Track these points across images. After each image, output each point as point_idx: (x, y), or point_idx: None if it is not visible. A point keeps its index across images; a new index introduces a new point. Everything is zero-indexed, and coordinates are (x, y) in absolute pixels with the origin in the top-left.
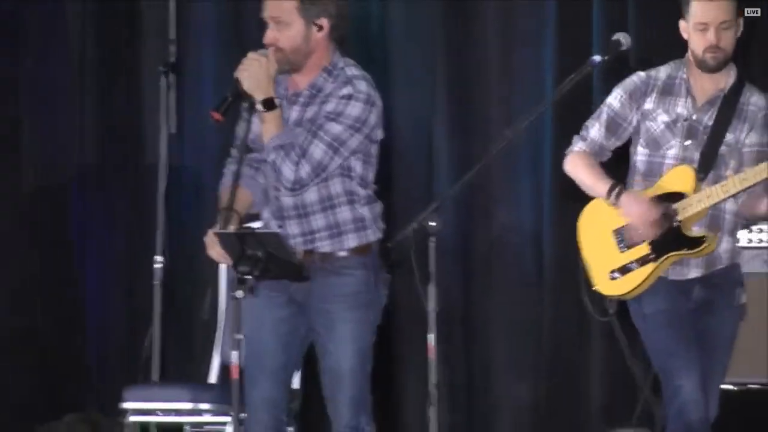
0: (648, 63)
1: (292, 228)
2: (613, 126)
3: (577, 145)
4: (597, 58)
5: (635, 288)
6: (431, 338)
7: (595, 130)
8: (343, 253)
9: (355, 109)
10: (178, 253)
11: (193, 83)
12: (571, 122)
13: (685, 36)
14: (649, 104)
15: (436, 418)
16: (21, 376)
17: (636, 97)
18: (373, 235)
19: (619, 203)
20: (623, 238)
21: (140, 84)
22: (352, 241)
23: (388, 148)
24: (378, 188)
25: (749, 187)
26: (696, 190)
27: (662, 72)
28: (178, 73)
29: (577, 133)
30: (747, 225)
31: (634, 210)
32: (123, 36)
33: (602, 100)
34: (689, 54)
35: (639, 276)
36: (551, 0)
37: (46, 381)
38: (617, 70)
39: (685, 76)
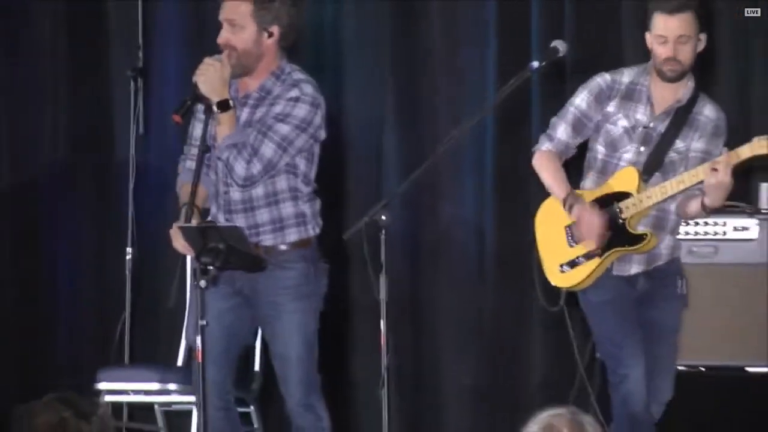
0: (583, 67)
1: (239, 221)
2: (578, 126)
3: (544, 145)
4: (535, 63)
5: (582, 281)
6: (383, 325)
7: (561, 129)
8: (284, 247)
9: (301, 110)
10: (146, 245)
11: (159, 85)
12: (511, 124)
13: (649, 46)
14: (611, 107)
15: (387, 400)
16: None
17: (600, 99)
18: (312, 230)
19: (572, 214)
20: (573, 234)
21: (108, 84)
22: (293, 235)
23: (340, 147)
24: (329, 185)
25: (686, 189)
26: (640, 190)
27: (626, 76)
28: (144, 76)
29: (517, 134)
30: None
31: (584, 223)
32: (91, 36)
33: (540, 103)
34: (652, 62)
35: (585, 270)
36: (491, 1)
37: (23, 366)
38: (554, 74)
39: (647, 83)
